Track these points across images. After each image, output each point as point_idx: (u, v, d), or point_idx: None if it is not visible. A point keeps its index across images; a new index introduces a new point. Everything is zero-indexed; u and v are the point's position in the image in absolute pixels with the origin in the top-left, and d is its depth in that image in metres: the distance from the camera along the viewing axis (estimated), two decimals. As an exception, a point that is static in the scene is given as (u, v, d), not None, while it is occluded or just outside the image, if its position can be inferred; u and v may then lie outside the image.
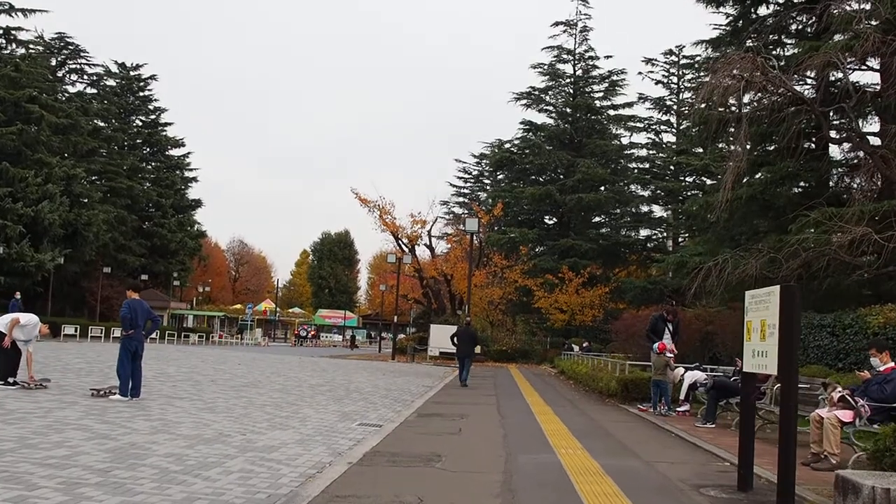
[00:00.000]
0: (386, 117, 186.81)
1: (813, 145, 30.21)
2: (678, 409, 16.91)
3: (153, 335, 39.77)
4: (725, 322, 24.06)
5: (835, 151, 31.71)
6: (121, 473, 8.06)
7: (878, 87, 26.52)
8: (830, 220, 21.70)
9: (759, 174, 30.23)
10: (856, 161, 28.89)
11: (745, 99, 29.58)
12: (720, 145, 51.76)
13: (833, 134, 28.68)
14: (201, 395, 16.86)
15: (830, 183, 30.88)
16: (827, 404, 10.64)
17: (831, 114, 26.76)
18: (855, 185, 28.06)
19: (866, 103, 27.15)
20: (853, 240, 19.49)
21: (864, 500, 6.39)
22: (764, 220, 31.06)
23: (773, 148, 29.28)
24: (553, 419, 15.44)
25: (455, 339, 26.75)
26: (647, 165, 63.99)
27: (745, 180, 33.92)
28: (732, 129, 32.71)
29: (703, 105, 26.47)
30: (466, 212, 67.65)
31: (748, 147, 23.74)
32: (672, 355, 17.19)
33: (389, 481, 8.42)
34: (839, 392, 10.03)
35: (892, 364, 10.43)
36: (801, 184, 30.19)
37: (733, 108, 29.62)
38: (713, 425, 14.39)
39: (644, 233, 65.52)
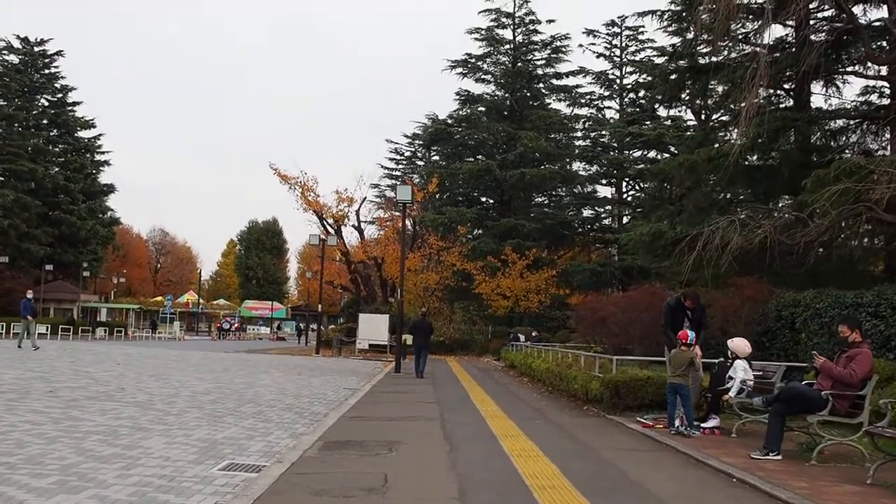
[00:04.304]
0: (319, 100, 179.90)
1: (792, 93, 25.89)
2: (704, 425, 11.79)
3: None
4: (727, 303, 19.12)
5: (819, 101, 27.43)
6: None
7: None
8: (861, 169, 16.86)
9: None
10: (866, 108, 24.39)
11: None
12: (677, 112, 48.04)
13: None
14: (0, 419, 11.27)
15: (817, 142, 26.51)
16: None
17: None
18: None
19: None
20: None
21: None
22: (752, 184, 26.40)
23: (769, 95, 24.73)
24: (529, 449, 10.18)
25: (412, 330, 26.75)
26: (591, 143, 59.39)
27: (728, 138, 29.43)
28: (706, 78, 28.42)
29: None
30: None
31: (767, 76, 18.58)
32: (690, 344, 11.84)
33: None
34: None
35: None
36: (793, 139, 25.58)
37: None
38: (779, 456, 9.30)
39: (587, 213, 61.00)
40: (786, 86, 26.59)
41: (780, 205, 24.73)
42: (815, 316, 17.81)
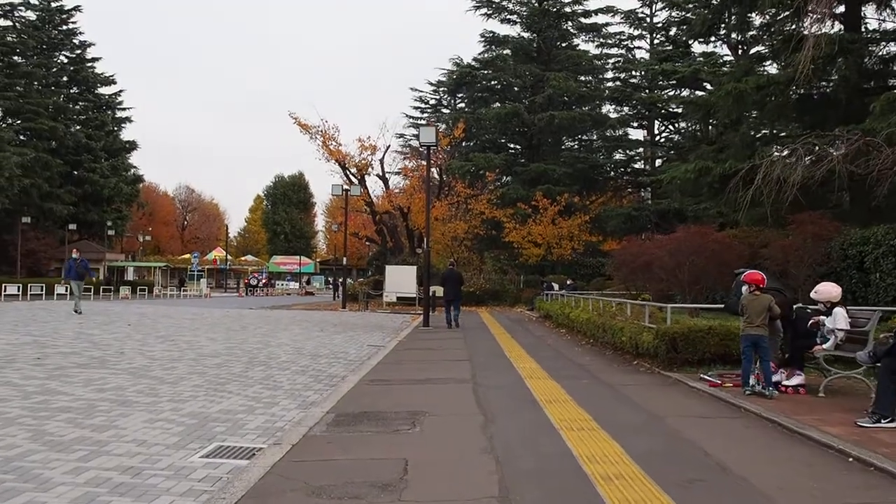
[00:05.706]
0: (342, 55, 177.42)
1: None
2: (787, 383, 9.99)
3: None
4: (787, 243, 17.19)
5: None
6: None
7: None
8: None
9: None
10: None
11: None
12: (711, 48, 45.75)
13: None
14: (-38, 395, 9.74)
15: (874, 67, 24.48)
16: None
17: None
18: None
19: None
20: None
21: None
22: (802, 115, 24.34)
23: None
24: (581, 420, 8.44)
25: (443, 282, 26.38)
26: (621, 84, 57.06)
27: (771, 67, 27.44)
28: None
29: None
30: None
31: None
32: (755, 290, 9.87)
33: None
34: None
35: None
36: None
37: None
38: (894, 423, 7.54)
39: (619, 157, 59.03)
40: (837, 9, 24.46)
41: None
42: (889, 254, 15.91)
